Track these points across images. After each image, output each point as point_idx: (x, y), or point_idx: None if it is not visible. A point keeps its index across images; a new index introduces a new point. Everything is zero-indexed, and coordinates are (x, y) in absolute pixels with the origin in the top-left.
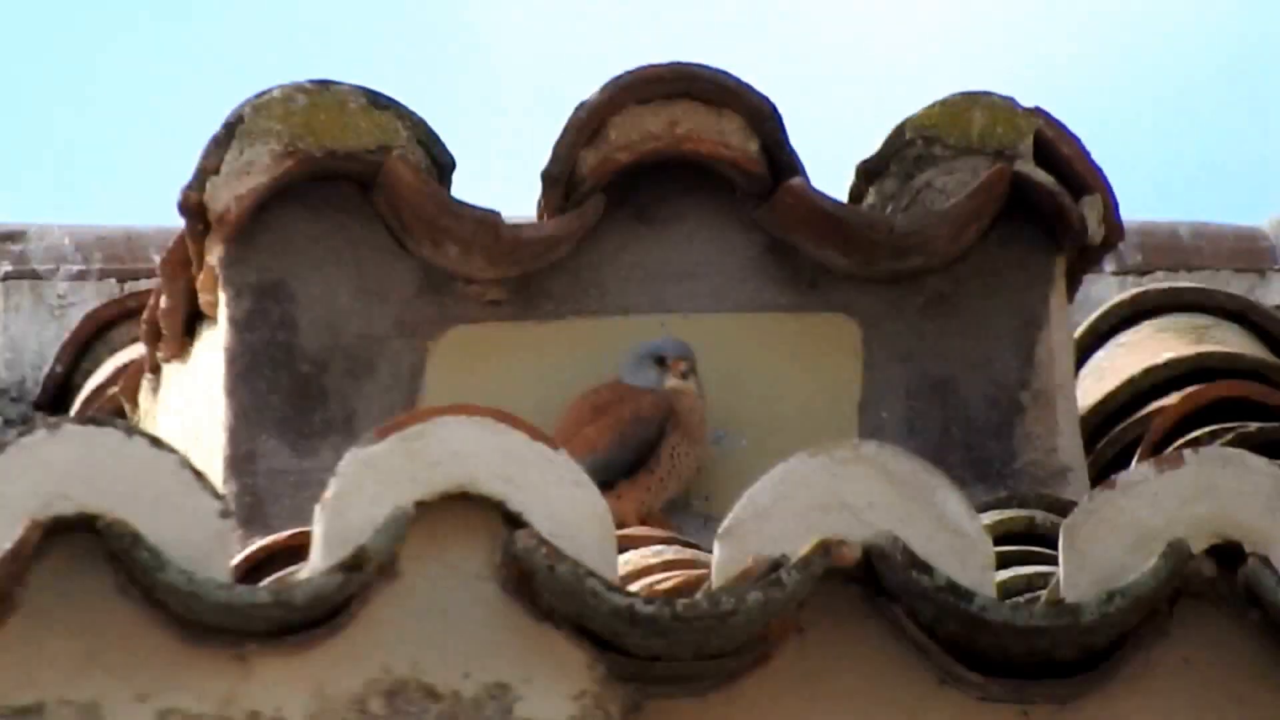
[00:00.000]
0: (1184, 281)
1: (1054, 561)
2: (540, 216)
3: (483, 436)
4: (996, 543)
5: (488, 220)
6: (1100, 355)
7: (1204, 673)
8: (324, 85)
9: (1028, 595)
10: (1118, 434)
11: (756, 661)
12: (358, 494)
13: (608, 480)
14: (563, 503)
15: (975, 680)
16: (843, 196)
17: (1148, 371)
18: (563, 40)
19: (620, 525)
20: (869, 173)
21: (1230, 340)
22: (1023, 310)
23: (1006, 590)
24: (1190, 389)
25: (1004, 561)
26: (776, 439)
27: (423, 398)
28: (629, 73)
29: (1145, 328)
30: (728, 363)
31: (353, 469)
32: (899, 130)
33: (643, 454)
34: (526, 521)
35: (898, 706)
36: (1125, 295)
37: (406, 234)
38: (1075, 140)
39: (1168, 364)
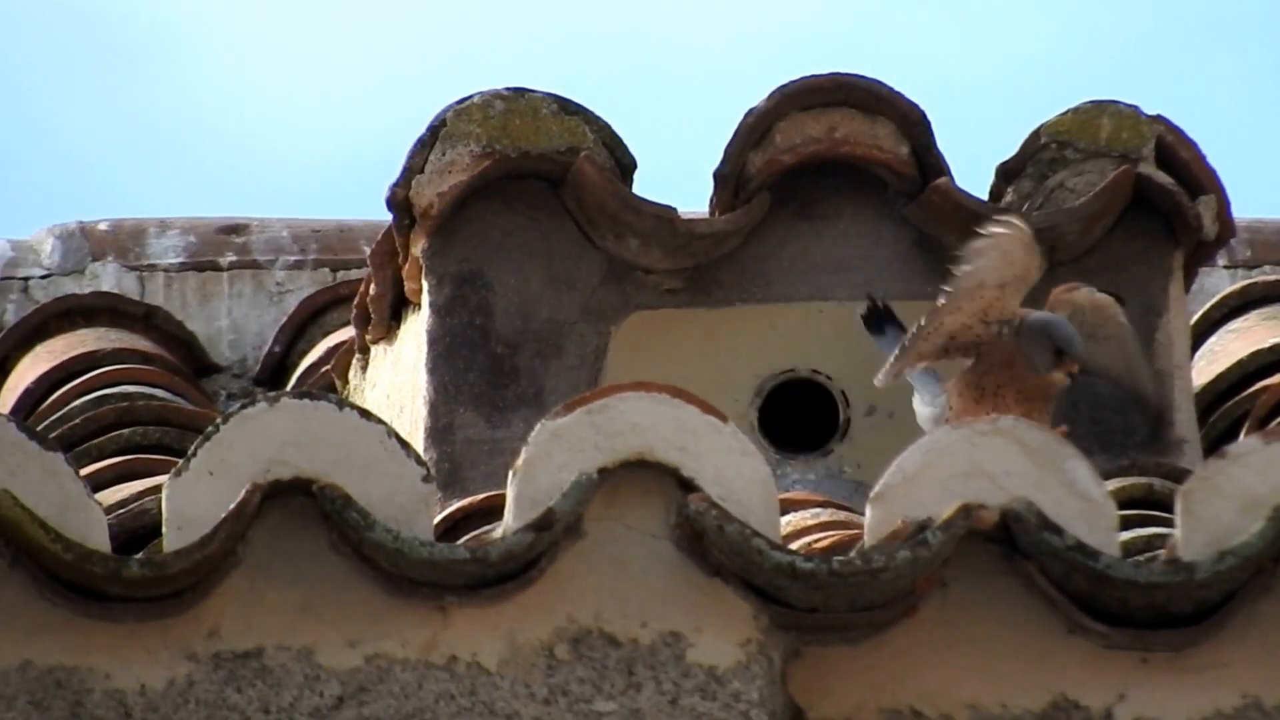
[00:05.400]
0: None
1: (1171, 524)
2: (712, 213)
3: (659, 410)
4: (1119, 507)
5: (665, 215)
6: (1213, 340)
7: None
8: (519, 92)
9: (1147, 554)
10: (1228, 410)
11: (904, 613)
12: (547, 461)
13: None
14: (731, 470)
15: (1100, 630)
16: (984, 195)
17: (1255, 354)
18: (733, 51)
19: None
20: (1008, 174)
21: None
22: (1144, 299)
23: (1128, 550)
24: None
25: (1126, 524)
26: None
27: (605, 376)
28: (793, 82)
29: (1253, 316)
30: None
31: (542, 439)
32: (1035, 135)
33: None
34: (698, 486)
35: (1029, 652)
36: (1235, 286)
37: (592, 228)
38: (1193, 145)
39: (1272, 348)
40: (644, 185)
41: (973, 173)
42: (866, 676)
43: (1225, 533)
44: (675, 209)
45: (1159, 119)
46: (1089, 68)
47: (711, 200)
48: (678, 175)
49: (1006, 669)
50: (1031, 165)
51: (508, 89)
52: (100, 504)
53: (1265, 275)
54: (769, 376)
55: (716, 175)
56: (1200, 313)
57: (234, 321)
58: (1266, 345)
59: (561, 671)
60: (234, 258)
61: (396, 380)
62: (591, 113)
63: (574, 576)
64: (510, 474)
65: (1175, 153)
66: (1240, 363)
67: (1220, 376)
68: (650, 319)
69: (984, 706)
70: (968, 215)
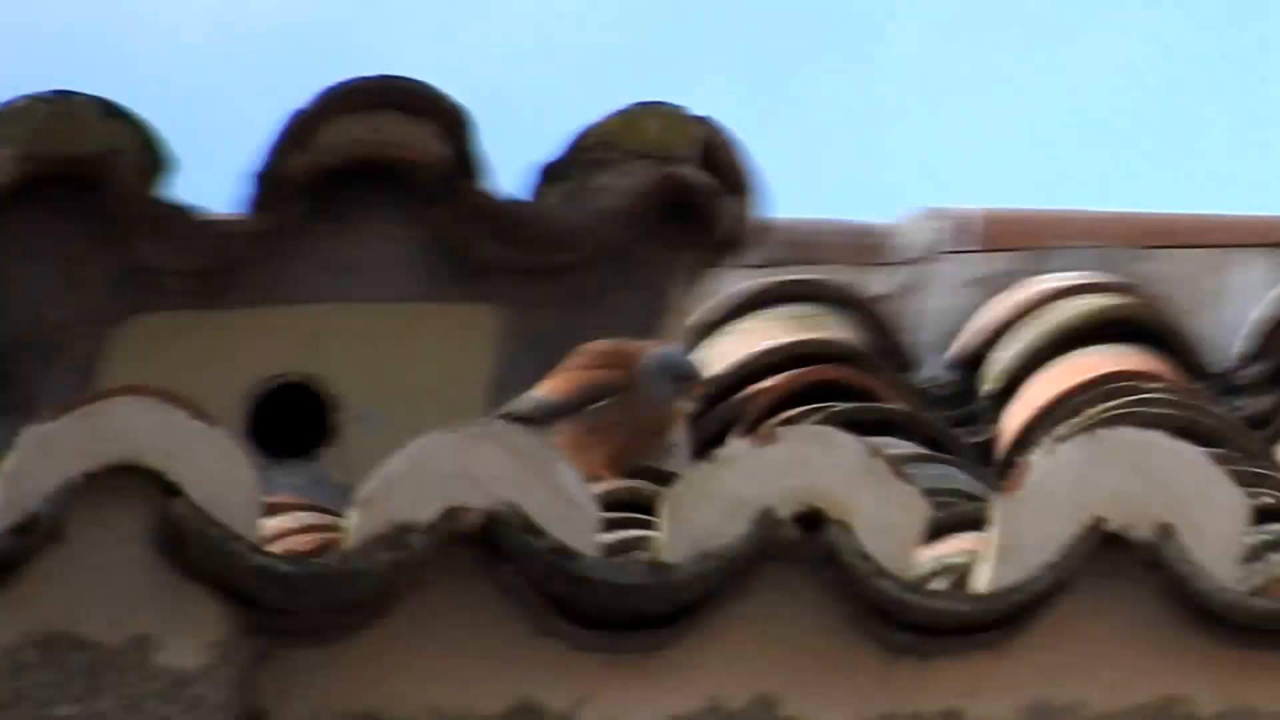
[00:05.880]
0: (807, 274)
1: (657, 528)
2: (243, 214)
3: (148, 415)
4: (607, 510)
5: (183, 216)
6: (710, 343)
7: (778, 624)
8: (63, 95)
9: (630, 556)
10: (720, 413)
11: (377, 614)
12: (33, 467)
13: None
14: (217, 474)
15: (568, 632)
16: (530, 197)
17: (752, 358)
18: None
19: None
20: (551, 174)
21: (832, 328)
22: (657, 299)
23: (613, 552)
24: (789, 373)
25: (614, 527)
26: (416, 417)
27: (106, 381)
28: (339, 84)
29: (756, 318)
30: (379, 348)
31: (29, 444)
32: (580, 136)
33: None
34: (182, 490)
35: (493, 654)
36: (743, 287)
37: (112, 230)
38: (736, 146)
39: (766, 351)
40: (199, 191)
41: (527, 174)
42: (332, 680)
43: (709, 535)
44: (196, 208)
45: (704, 120)
46: (644, 71)
47: (244, 201)
48: (226, 176)
49: (472, 672)
50: (575, 166)
51: (52, 92)
52: None
53: (779, 275)
54: (261, 380)
55: (250, 176)
56: (698, 314)
57: None
58: (759, 349)
59: (26, 675)
60: None
61: None
62: (134, 115)
63: (49, 581)
64: None
65: (718, 154)
66: (738, 365)
67: (713, 379)
68: (158, 322)
69: (445, 710)
70: (494, 215)
